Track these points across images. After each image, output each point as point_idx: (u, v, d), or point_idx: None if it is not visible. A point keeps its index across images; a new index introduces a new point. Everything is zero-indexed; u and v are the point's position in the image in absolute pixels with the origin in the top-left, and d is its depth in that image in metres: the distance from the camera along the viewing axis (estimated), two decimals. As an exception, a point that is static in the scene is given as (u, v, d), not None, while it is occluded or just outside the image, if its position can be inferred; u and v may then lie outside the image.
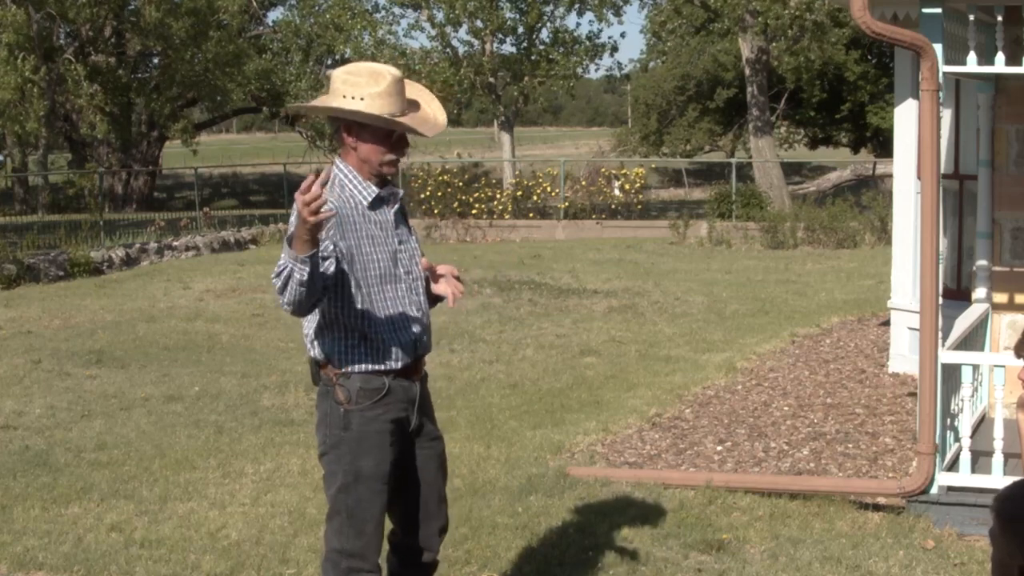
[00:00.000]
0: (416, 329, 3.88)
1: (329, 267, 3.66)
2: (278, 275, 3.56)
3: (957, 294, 8.37)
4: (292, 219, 3.57)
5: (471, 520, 5.92)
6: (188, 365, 10.39)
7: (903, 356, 9.24)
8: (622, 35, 67.04)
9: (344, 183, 3.83)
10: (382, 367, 3.83)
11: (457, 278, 3.96)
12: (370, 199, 3.84)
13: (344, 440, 3.82)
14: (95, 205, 22.18)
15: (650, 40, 39.12)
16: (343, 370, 3.82)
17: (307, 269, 3.51)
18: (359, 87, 3.73)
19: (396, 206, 3.92)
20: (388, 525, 4.07)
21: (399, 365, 3.85)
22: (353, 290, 3.78)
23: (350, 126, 3.81)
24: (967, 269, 8.40)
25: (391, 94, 3.74)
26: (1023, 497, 2.42)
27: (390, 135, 3.80)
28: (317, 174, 3.48)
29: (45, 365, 10.34)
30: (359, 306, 3.80)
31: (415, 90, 3.94)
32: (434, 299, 4.00)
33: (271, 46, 37.11)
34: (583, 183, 26.52)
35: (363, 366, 3.81)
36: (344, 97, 3.74)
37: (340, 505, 3.84)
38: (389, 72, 3.77)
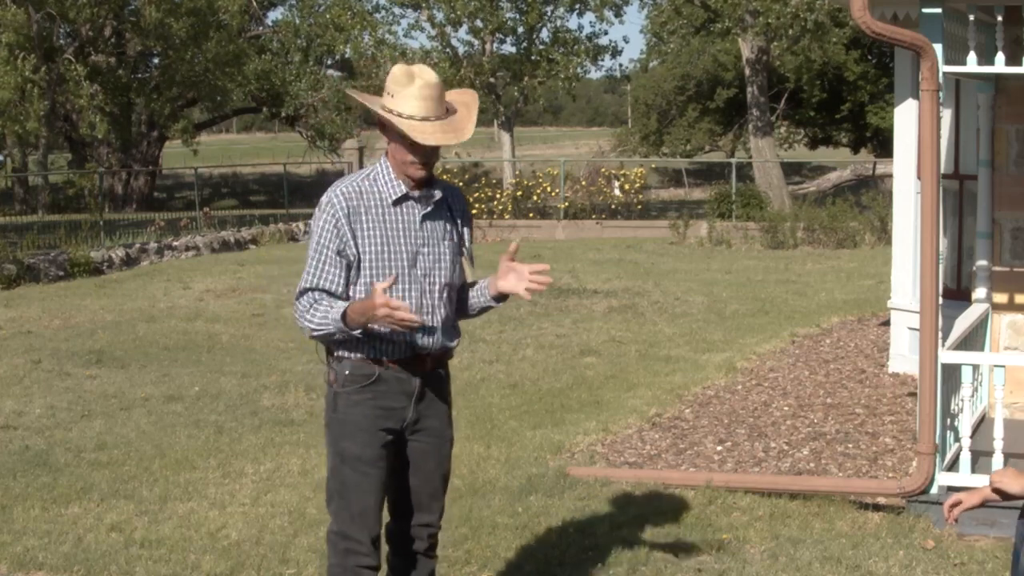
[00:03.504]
0: (418, 331, 3.88)
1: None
2: (318, 330, 3.83)
3: (957, 294, 8.36)
4: (357, 306, 3.74)
5: (471, 520, 5.92)
6: (188, 365, 10.39)
7: (903, 356, 9.23)
8: (624, 39, 66.50)
9: (376, 176, 3.90)
10: (372, 357, 3.88)
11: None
12: (395, 196, 3.87)
13: (333, 421, 3.94)
14: (95, 205, 22.15)
15: (650, 40, 39.12)
16: (337, 354, 3.92)
17: (351, 332, 3.78)
18: (396, 84, 3.79)
19: (429, 208, 3.91)
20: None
21: (392, 359, 3.89)
22: (360, 296, 3.85)
23: (381, 123, 3.86)
24: (967, 269, 8.40)
25: (419, 97, 3.75)
26: None
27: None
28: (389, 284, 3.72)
29: (45, 365, 10.34)
30: None
31: (463, 99, 3.95)
32: (501, 297, 4.02)
33: (271, 46, 37.10)
34: (583, 183, 26.52)
35: (356, 354, 3.88)
36: (387, 93, 3.81)
37: (333, 485, 3.96)
38: (420, 75, 3.78)
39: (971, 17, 6.13)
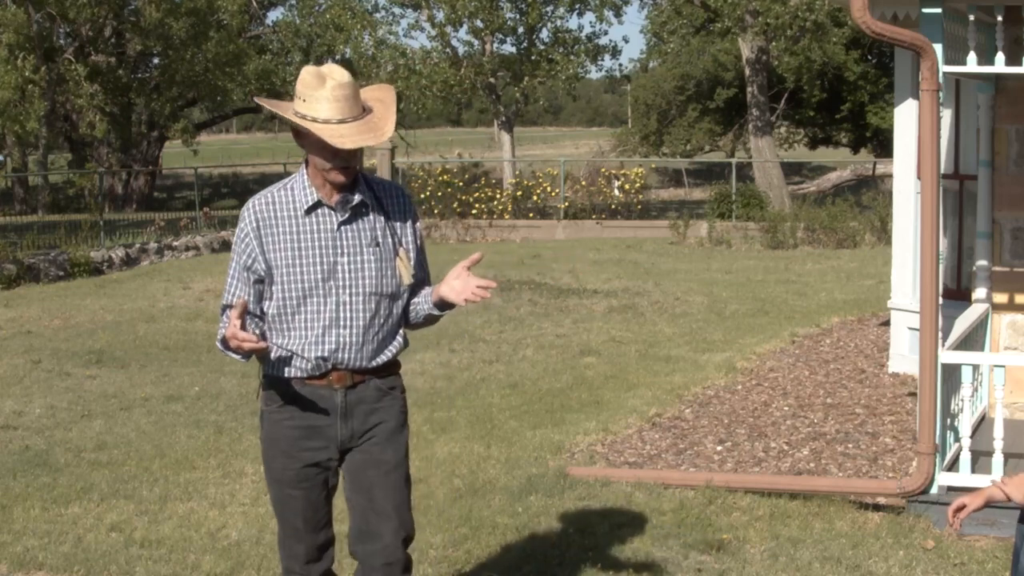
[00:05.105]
0: (331, 346, 3.71)
1: (254, 328, 3.71)
2: (223, 351, 3.74)
3: (957, 294, 8.37)
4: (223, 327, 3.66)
5: (471, 520, 5.93)
6: (188, 365, 10.39)
7: (903, 356, 9.24)
8: (624, 39, 66.60)
9: (293, 185, 3.73)
10: (288, 375, 3.75)
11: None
12: (307, 205, 3.69)
13: (262, 440, 3.88)
14: (95, 205, 22.16)
15: (650, 40, 39.12)
16: (264, 373, 3.81)
17: (242, 359, 3.70)
18: (306, 87, 3.60)
19: (347, 214, 3.70)
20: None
21: (305, 375, 3.74)
22: (273, 310, 3.73)
23: (295, 130, 3.68)
24: (967, 269, 8.40)
25: (333, 99, 3.56)
26: None
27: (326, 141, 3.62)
28: (243, 312, 3.58)
29: (45, 365, 10.34)
30: (276, 324, 3.74)
31: (378, 95, 3.77)
32: (444, 304, 3.81)
33: (271, 46, 37.12)
34: (583, 183, 26.53)
35: (275, 372, 3.76)
36: (298, 98, 3.62)
37: (272, 505, 3.96)
38: (331, 75, 3.60)
39: (971, 17, 6.13)
